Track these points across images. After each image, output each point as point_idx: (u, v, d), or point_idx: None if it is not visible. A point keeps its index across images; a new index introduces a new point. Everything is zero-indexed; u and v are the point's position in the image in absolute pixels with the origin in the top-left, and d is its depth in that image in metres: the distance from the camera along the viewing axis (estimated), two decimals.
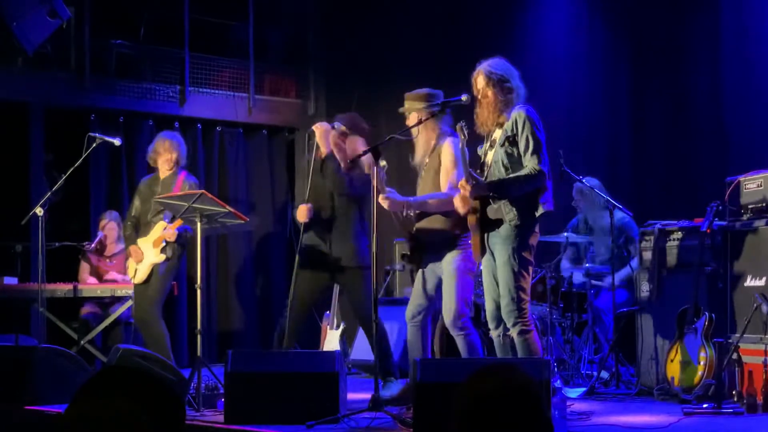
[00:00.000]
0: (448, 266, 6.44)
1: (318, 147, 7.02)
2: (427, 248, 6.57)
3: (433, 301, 6.69)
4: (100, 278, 9.43)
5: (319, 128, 7.01)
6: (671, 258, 7.19)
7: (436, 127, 6.59)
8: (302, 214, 6.99)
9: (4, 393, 7.01)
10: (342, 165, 6.98)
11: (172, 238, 8.09)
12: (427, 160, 6.63)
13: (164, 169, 8.32)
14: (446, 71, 8.79)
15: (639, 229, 7.63)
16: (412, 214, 6.60)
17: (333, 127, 7.01)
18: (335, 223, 7.02)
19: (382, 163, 6.45)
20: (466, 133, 5.86)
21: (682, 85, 9.13)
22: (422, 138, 6.62)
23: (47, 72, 9.83)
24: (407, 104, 6.71)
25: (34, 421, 6.61)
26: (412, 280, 6.89)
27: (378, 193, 6.18)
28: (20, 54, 9.35)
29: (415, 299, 6.66)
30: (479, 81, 5.96)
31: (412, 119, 6.64)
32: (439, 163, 6.55)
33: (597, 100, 9.66)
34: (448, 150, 6.52)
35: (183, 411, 2.22)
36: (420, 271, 6.64)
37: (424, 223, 6.57)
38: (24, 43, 8.82)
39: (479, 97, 5.96)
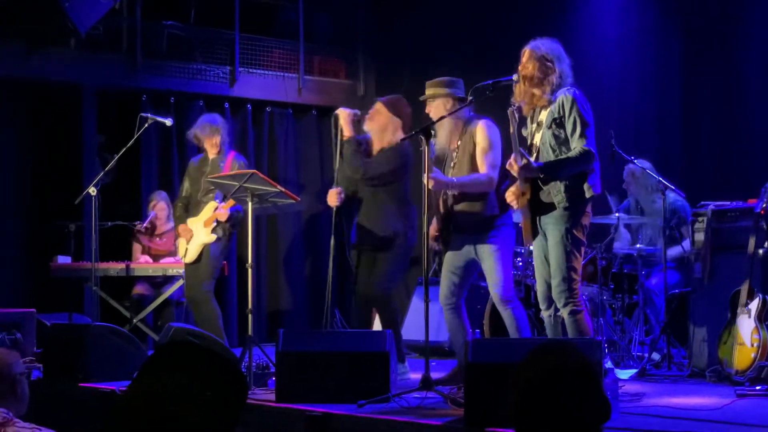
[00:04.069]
0: (489, 246, 6.51)
1: (342, 131, 7.11)
2: (461, 230, 6.60)
3: (466, 283, 6.74)
4: (152, 257, 9.52)
5: (342, 112, 7.11)
6: (724, 239, 7.12)
7: (461, 112, 6.62)
8: (332, 198, 7.17)
9: (59, 370, 7.10)
10: (375, 147, 7.09)
11: (224, 218, 8.15)
12: (457, 144, 6.66)
13: (212, 151, 8.38)
14: (495, 53, 8.75)
15: (692, 210, 7.57)
16: (451, 194, 6.62)
17: (355, 115, 7.10)
18: (362, 206, 7.20)
19: (435, 140, 6.54)
20: (517, 117, 5.86)
21: (734, 64, 9.03)
22: (447, 122, 6.63)
23: (99, 54, 9.90)
24: (428, 91, 6.75)
25: (88, 397, 6.70)
26: (440, 262, 6.93)
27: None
28: (73, 36, 9.44)
29: (447, 282, 6.68)
30: (524, 55, 5.96)
31: (434, 105, 6.66)
32: (474, 145, 6.58)
33: (648, 80, 9.57)
34: (482, 132, 6.58)
35: (245, 387, 2.25)
36: (450, 253, 6.67)
37: (460, 206, 6.60)
38: (77, 25, 8.89)
39: (520, 70, 5.95)
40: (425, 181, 6.31)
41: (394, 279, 7.32)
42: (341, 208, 7.33)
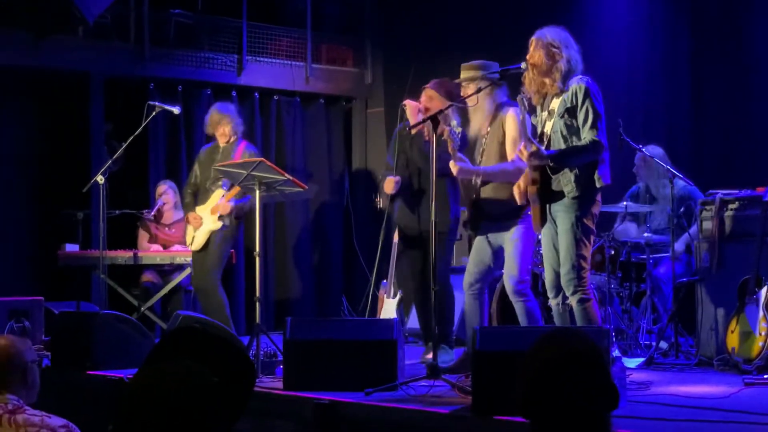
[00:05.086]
0: (512, 235, 6.46)
1: (409, 122, 7.11)
2: (489, 217, 6.58)
3: (492, 270, 6.71)
4: (160, 246, 9.52)
5: (410, 104, 7.10)
6: (732, 228, 7.11)
7: (495, 97, 6.59)
8: (389, 186, 7.20)
9: (67, 358, 7.12)
10: (425, 136, 7.08)
11: (226, 212, 8.16)
12: (488, 130, 6.64)
13: (223, 140, 8.40)
14: (503, 41, 8.73)
15: (701, 198, 7.54)
16: (478, 182, 6.61)
17: (419, 111, 7.09)
18: (425, 196, 7.10)
19: (458, 129, 6.51)
20: (527, 104, 5.86)
21: (742, 52, 8.99)
22: (481, 108, 6.61)
23: (107, 42, 9.90)
24: (464, 74, 6.71)
25: (95, 385, 6.71)
26: (470, 249, 6.91)
27: (437, 160, 6.20)
28: (81, 24, 9.43)
29: (474, 267, 6.67)
30: (531, 45, 5.96)
31: (470, 90, 6.62)
32: (503, 133, 6.56)
33: (656, 68, 9.54)
34: (512, 120, 6.53)
35: (253, 374, 2.25)
36: (479, 239, 6.65)
37: (488, 192, 6.59)
38: (85, 13, 8.89)
39: (528, 59, 5.94)
40: (451, 167, 6.31)
41: (449, 262, 7.40)
42: (394, 197, 7.37)
